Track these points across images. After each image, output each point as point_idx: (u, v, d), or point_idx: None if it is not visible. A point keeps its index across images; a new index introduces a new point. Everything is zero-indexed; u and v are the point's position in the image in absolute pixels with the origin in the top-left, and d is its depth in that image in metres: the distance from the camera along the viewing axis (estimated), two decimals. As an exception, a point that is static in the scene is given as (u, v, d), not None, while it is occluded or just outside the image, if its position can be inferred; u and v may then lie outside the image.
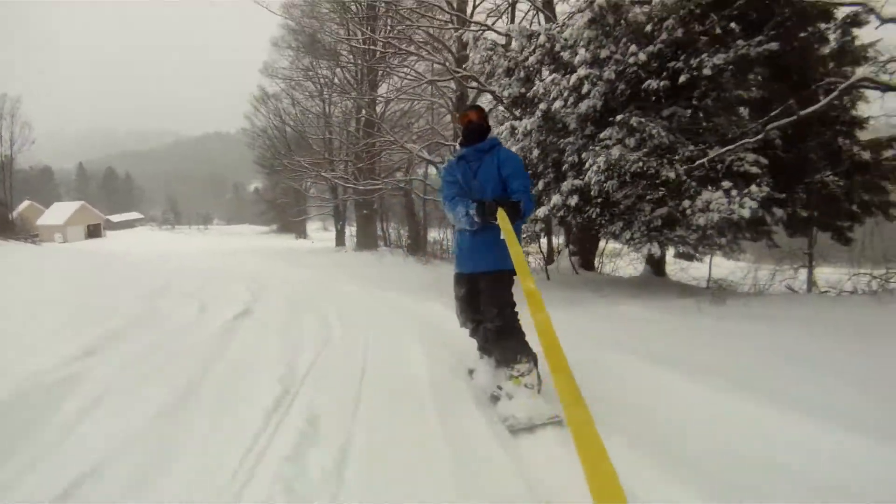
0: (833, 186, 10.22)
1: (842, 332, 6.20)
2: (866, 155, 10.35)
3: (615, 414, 3.92)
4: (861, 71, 8.25)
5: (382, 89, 30.64)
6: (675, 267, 14.08)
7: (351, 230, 42.94)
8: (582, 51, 9.00)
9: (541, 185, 10.06)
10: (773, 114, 8.57)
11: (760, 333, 6.46)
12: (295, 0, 35.01)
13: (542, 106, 9.40)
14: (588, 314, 8.59)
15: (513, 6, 19.85)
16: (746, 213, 7.96)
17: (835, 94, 8.14)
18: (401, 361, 5.90)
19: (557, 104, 9.15)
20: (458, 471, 3.29)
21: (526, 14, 19.40)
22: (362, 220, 37.94)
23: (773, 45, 8.56)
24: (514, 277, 4.59)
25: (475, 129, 4.90)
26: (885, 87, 8.90)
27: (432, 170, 26.58)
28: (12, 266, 11.36)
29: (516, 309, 4.72)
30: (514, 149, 10.04)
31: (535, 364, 4.46)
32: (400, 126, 30.14)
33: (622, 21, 8.83)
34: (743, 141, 8.49)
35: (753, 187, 8.15)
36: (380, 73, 29.40)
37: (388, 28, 27.07)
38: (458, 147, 5.14)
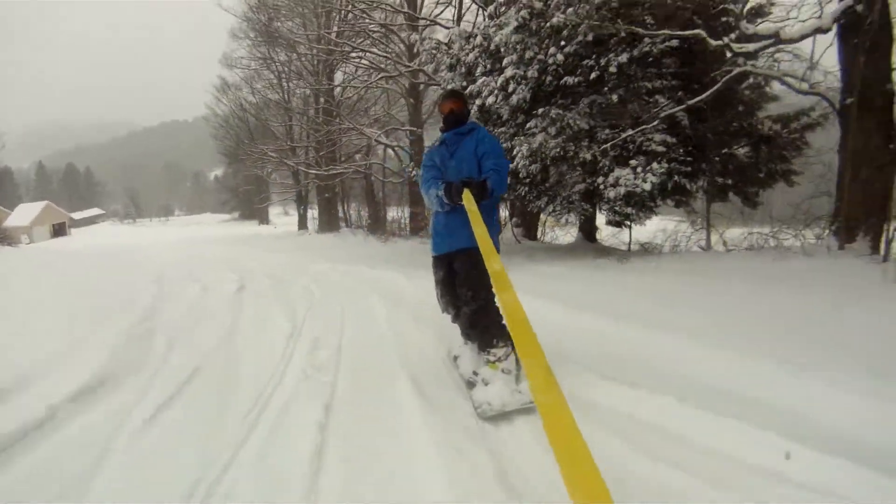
0: (743, 158, 11.98)
1: (707, 277, 7.95)
2: (772, 128, 12.09)
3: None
4: (762, 64, 9.87)
5: (338, 76, 31.75)
6: (608, 233, 15.70)
7: (313, 213, 43.92)
8: (511, 56, 10.53)
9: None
10: (665, 103, 10.24)
11: (643, 281, 8.23)
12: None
13: (478, 101, 10.94)
14: (513, 272, 10.18)
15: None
16: (648, 186, 9.60)
17: (718, 85, 9.76)
18: (368, 310, 7.79)
19: (490, 99, 10.68)
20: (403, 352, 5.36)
21: (469, 7, 20.79)
22: (324, 203, 38.95)
23: (674, 42, 10.17)
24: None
25: (457, 117, 5.03)
26: (766, 76, 10.55)
27: (391, 152, 27.99)
28: (22, 269, 12.45)
29: (492, 291, 4.67)
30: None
31: (513, 348, 4.44)
32: (357, 111, 31.10)
33: (544, 26, 10.35)
34: (642, 127, 10.14)
35: (655, 164, 9.78)
36: (335, 61, 30.24)
37: (342, 18, 28.38)
38: (440, 132, 5.21)
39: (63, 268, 12.59)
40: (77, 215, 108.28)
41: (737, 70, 9.66)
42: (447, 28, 18.30)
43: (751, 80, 11.82)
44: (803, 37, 9.36)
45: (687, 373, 4.42)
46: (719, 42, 9.56)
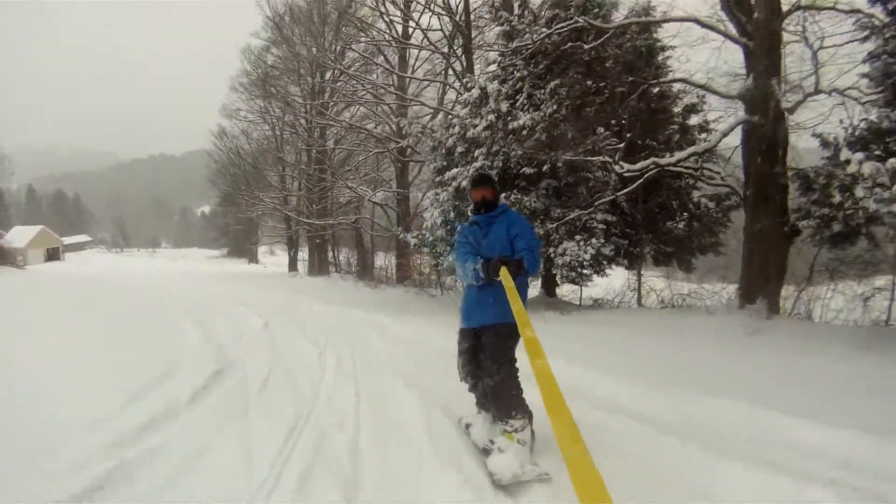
0: (681, 231, 14.66)
1: (628, 328, 10.63)
2: (707, 205, 14.77)
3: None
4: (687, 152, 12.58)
5: (330, 135, 34.30)
6: (568, 289, 18.16)
7: (302, 255, 46.43)
8: (482, 148, 13.18)
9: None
10: (597, 195, 12.96)
11: (574, 329, 10.86)
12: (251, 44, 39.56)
13: (454, 184, 13.50)
14: (452, 323, 12.88)
15: (446, 70, 24.14)
16: (587, 256, 12.21)
17: (638, 181, 12.41)
18: (369, 342, 10.46)
19: (465, 183, 13.22)
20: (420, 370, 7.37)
21: (452, 84, 23.50)
22: (314, 247, 41.37)
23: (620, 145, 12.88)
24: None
25: (488, 205, 5.24)
26: (687, 173, 13.19)
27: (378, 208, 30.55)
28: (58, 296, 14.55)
29: (517, 365, 4.88)
30: (436, 211, 14.03)
31: (530, 421, 4.65)
32: (347, 166, 33.57)
33: (508, 126, 12.98)
34: (582, 211, 12.78)
35: (593, 240, 12.42)
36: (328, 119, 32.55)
37: (334, 78, 31.31)
38: (470, 215, 5.45)
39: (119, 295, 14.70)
40: (66, 240, 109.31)
41: (653, 170, 12.32)
42: (430, 108, 21.15)
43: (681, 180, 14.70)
44: (713, 146, 12.16)
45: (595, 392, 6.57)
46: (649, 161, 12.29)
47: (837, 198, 8.28)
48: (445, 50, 22.36)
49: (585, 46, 12.03)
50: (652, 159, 12.12)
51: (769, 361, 7.49)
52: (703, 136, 14.50)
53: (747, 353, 8.07)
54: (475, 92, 13.71)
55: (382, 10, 24.93)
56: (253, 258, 77.05)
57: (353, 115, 31.26)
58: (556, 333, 10.43)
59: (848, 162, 7.96)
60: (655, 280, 16.05)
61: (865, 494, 3.79)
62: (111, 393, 5.80)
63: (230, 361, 8.03)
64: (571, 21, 11.98)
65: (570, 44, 12.32)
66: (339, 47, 32.35)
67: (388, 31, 25.86)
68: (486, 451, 4.63)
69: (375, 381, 7.27)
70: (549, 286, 16.70)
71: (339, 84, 32.07)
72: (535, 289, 20.01)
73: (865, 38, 9.34)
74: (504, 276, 4.46)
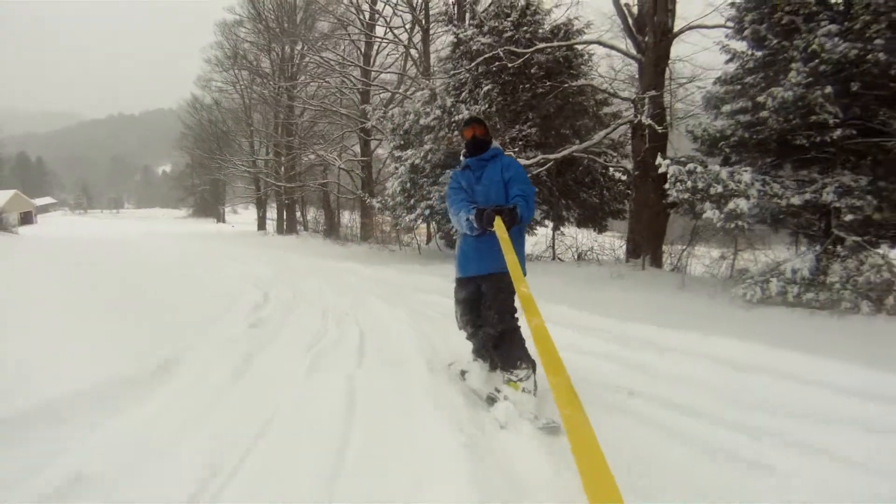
0: (592, 200, 18.22)
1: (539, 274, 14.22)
2: (621, 179, 18.31)
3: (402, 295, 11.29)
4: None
5: (299, 102, 36.74)
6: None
7: (269, 215, 49.62)
8: (430, 135, 16.52)
9: (412, 200, 17.55)
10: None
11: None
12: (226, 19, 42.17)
13: (409, 162, 16.84)
14: (432, 268, 16.09)
15: (405, 58, 27.49)
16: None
17: (557, 156, 15.88)
18: (348, 281, 13.70)
19: (417, 160, 16.56)
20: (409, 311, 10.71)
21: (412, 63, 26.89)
22: (283, 207, 44.23)
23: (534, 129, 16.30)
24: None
25: (479, 143, 5.07)
26: (594, 157, 16.65)
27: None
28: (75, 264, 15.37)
29: (517, 315, 4.82)
30: (396, 182, 17.43)
31: (534, 370, 4.58)
32: (314, 133, 36.64)
33: (452, 119, 16.30)
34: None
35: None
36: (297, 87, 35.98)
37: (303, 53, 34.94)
38: (462, 158, 5.28)
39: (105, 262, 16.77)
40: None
41: (570, 149, 15.71)
42: (391, 92, 24.66)
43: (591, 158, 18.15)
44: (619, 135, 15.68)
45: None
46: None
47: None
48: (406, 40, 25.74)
49: (510, 65, 15.35)
50: (541, 156, 15.45)
51: (618, 294, 10.82)
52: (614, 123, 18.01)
53: (608, 289, 11.45)
54: (426, 92, 17.14)
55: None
56: (220, 218, 79.29)
57: (318, 87, 34.15)
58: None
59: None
60: (572, 238, 19.50)
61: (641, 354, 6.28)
62: (220, 300, 9.51)
63: (265, 291, 10.96)
64: (493, 52, 15.47)
65: (496, 63, 15.66)
66: (307, 21, 35.72)
67: (354, 12, 29.13)
68: (491, 399, 4.62)
69: (359, 298, 10.72)
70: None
71: (306, 60, 35.48)
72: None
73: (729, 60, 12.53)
74: (498, 226, 4.42)
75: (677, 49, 15.12)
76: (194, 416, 4.17)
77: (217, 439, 3.74)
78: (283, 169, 40.16)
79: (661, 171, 10.37)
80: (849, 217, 8.56)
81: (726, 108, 10.19)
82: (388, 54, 30.42)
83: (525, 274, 4.36)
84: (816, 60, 8.80)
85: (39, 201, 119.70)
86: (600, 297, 10.53)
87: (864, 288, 8.14)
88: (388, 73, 29.25)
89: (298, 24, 36.62)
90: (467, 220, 4.71)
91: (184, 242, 31.50)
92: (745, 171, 9.37)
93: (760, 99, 9.28)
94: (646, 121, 13.79)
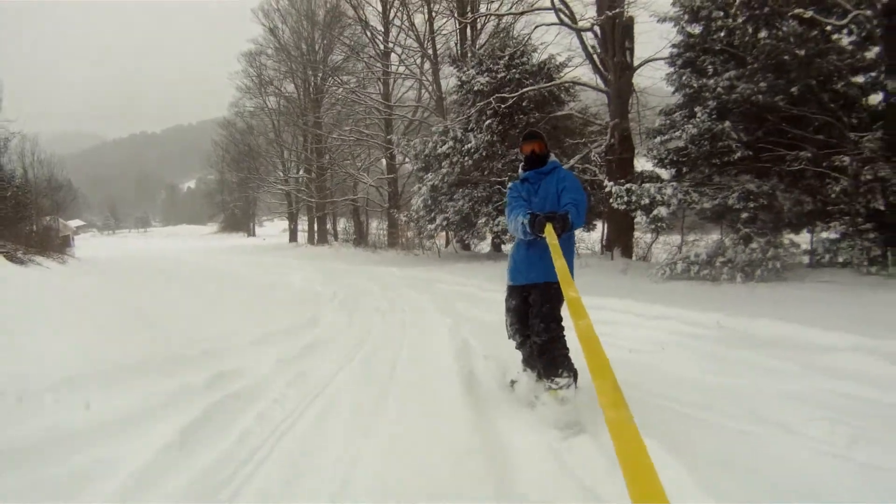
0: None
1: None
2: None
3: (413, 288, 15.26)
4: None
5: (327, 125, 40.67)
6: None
7: (301, 226, 53.26)
8: (445, 161, 20.51)
9: (432, 213, 21.59)
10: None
11: (488, 268, 18.15)
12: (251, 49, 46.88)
13: (429, 183, 20.97)
14: (447, 266, 20.04)
15: (419, 90, 31.64)
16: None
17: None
18: (386, 279, 17.49)
19: (436, 181, 20.64)
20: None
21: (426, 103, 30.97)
22: (313, 219, 48.17)
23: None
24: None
25: (538, 158, 5.18)
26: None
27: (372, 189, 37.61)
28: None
29: (562, 324, 4.86)
30: (419, 199, 21.61)
31: (575, 380, 4.68)
32: (345, 153, 40.21)
33: (463, 147, 20.24)
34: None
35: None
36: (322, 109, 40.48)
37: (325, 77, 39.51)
38: (521, 171, 5.37)
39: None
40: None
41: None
42: (410, 119, 28.92)
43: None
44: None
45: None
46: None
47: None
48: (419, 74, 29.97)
49: (500, 108, 19.29)
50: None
51: (586, 278, 14.42)
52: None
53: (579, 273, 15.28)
54: (440, 126, 21.34)
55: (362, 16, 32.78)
56: (250, 231, 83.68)
57: (343, 108, 38.43)
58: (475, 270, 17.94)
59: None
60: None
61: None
62: (308, 293, 13.28)
63: (333, 289, 14.47)
64: (486, 101, 19.51)
65: (495, 96, 19.51)
66: (324, 46, 40.70)
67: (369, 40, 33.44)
68: (530, 405, 4.81)
69: (397, 289, 14.59)
70: (497, 243, 24.20)
71: (328, 83, 40.12)
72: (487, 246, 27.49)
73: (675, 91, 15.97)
74: (548, 232, 4.42)
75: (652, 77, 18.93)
76: (334, 338, 8.27)
77: (345, 347, 7.66)
78: (312, 185, 44.33)
79: (605, 190, 14.28)
80: (744, 215, 12.53)
81: (660, 138, 14.09)
82: (404, 84, 34.41)
83: (574, 276, 4.11)
84: (721, 100, 12.82)
85: (72, 223, 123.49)
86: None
87: (741, 264, 12.05)
88: (406, 106, 33.47)
89: (318, 51, 41.25)
90: (522, 224, 4.77)
91: (233, 256, 35.09)
92: (671, 185, 13.39)
93: (677, 134, 13.26)
94: (604, 148, 17.70)
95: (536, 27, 20.16)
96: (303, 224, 53.71)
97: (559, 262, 3.81)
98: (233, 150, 58.86)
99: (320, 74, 41.49)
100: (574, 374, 4.68)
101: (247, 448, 3.96)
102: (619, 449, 1.80)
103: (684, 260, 13.09)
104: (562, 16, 18.26)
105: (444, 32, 28.34)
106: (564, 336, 4.83)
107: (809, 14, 11.56)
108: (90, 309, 8.71)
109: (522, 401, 4.99)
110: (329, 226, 47.68)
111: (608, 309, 9.25)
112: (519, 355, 5.50)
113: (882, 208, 11.53)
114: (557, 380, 4.59)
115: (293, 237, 54.60)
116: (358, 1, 32.89)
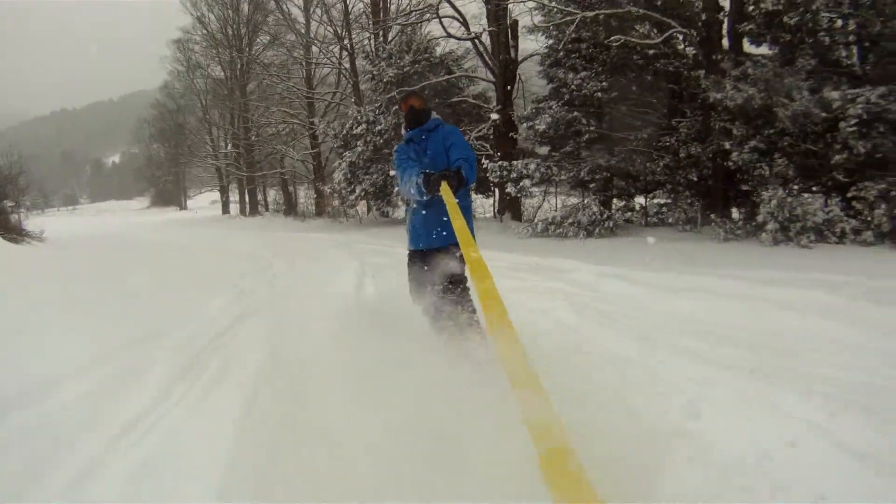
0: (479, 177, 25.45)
1: None
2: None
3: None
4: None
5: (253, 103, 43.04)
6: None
7: (232, 198, 56.01)
8: (360, 140, 23.57)
9: (352, 185, 24.75)
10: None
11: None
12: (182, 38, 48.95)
13: (348, 159, 23.97)
14: (352, 233, 23.11)
15: (338, 75, 34.49)
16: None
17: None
18: (316, 243, 20.03)
19: (353, 158, 23.59)
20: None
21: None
22: (244, 191, 50.40)
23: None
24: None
25: (418, 113, 5.05)
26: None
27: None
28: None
29: (467, 285, 4.84)
30: (340, 174, 24.60)
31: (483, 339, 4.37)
32: (271, 130, 42.28)
33: (375, 128, 23.37)
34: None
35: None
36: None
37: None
38: (403, 132, 5.26)
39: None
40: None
41: None
42: (329, 101, 32.05)
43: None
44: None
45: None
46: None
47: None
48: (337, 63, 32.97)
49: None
50: None
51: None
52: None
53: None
54: (355, 112, 24.48)
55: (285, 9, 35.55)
56: (182, 205, 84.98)
57: (265, 92, 41.22)
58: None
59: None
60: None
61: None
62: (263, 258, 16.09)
63: (275, 253, 16.83)
64: (390, 92, 22.73)
65: (398, 90, 22.39)
66: (248, 33, 43.50)
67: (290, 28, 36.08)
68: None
69: (324, 249, 16.87)
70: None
71: (253, 68, 42.78)
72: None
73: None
74: (444, 191, 4.28)
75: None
76: (281, 273, 10.80)
77: (287, 276, 10.37)
78: (241, 160, 46.42)
79: (485, 169, 17.65)
80: (592, 185, 16.08)
81: (527, 123, 17.49)
82: (323, 71, 37.28)
83: (474, 237, 3.95)
84: (573, 94, 16.25)
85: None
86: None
87: (584, 224, 15.57)
88: (325, 93, 36.26)
89: (243, 36, 43.68)
90: (416, 184, 4.55)
91: (177, 230, 36.32)
92: (534, 161, 16.81)
93: (538, 120, 16.67)
94: (488, 129, 21.16)
95: (436, 38, 23.96)
96: (233, 196, 55.99)
97: (458, 222, 3.70)
98: (161, 127, 61.64)
99: (245, 58, 43.57)
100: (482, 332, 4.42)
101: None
102: (522, 404, 1.82)
103: (542, 221, 16.56)
104: (456, 26, 22.37)
105: (359, 23, 31.08)
106: (471, 297, 4.79)
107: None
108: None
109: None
110: (260, 197, 49.77)
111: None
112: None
113: (696, 179, 15.24)
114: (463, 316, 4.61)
115: (226, 209, 56.74)
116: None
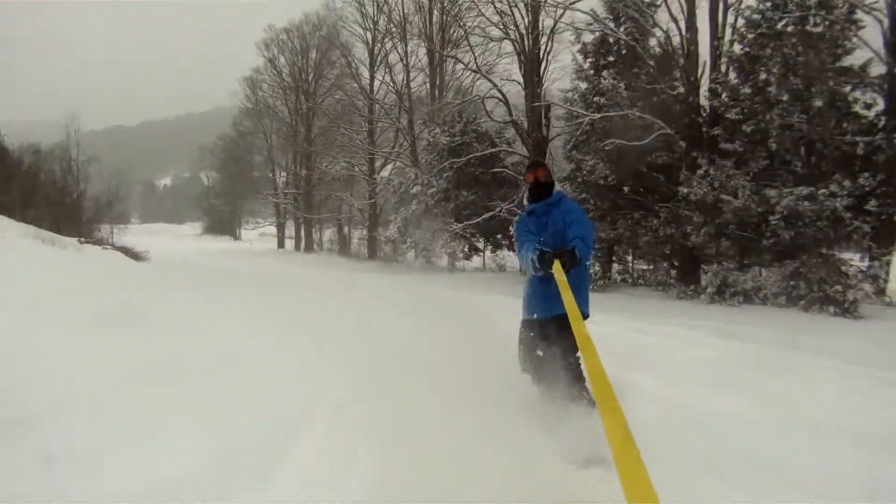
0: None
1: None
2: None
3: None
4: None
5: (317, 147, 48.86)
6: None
7: (286, 234, 61.50)
8: (416, 199, 29.19)
9: (405, 237, 30.40)
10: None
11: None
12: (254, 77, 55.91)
13: (403, 215, 29.62)
14: (404, 276, 28.43)
15: (396, 135, 40.35)
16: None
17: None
18: (371, 283, 24.65)
19: (407, 215, 29.27)
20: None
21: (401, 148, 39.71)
22: (300, 229, 56.01)
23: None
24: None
25: (542, 186, 5.35)
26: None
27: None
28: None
29: (579, 354, 4.79)
30: (395, 226, 30.54)
31: (594, 408, 4.44)
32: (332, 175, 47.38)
33: (429, 191, 28.93)
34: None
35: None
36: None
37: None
38: (525, 203, 5.56)
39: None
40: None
41: (490, 213, 28.42)
42: (386, 156, 38.31)
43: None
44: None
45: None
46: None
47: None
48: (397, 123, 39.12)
49: (452, 167, 28.13)
50: (476, 219, 28.13)
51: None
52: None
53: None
54: (412, 172, 30.20)
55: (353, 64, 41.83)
56: (236, 236, 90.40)
57: (323, 132, 47.51)
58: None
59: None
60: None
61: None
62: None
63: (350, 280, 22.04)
64: (442, 166, 28.24)
65: (450, 160, 28.00)
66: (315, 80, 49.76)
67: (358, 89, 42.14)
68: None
69: (384, 293, 20.53)
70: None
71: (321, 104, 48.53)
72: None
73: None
74: (556, 270, 4.55)
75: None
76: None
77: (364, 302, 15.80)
78: (299, 200, 52.77)
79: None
80: (596, 250, 21.43)
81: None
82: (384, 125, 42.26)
83: (587, 316, 4.69)
84: (585, 177, 21.62)
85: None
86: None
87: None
88: (385, 149, 41.57)
89: (310, 82, 50.26)
90: (531, 260, 4.89)
91: (246, 261, 40.93)
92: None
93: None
94: (520, 198, 25.95)
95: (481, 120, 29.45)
96: (288, 230, 61.93)
97: (567, 297, 4.01)
98: (224, 158, 69.82)
99: (311, 105, 50.07)
100: (593, 403, 4.50)
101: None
102: (627, 488, 1.96)
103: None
104: (500, 108, 28.01)
105: (417, 82, 37.35)
106: (582, 369, 4.87)
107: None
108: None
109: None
110: (317, 236, 54.83)
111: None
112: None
113: (668, 252, 20.44)
114: (574, 407, 4.69)
115: (280, 244, 62.33)
116: (348, 52, 42.08)
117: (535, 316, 5.30)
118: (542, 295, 5.18)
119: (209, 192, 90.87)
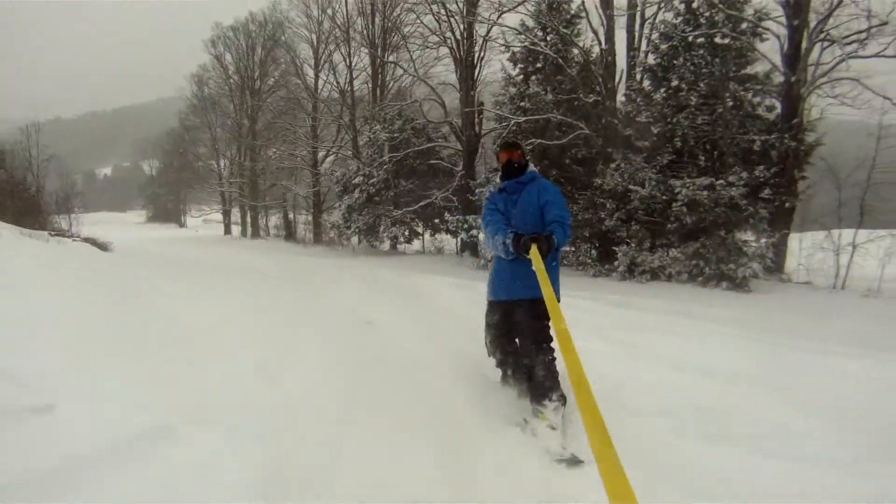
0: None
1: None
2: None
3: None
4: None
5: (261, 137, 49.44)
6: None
7: (232, 220, 61.47)
8: (360, 187, 30.54)
9: (348, 223, 31.68)
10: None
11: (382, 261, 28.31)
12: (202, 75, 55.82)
13: (346, 203, 30.80)
14: (348, 260, 29.62)
15: (337, 130, 41.51)
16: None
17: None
18: (321, 264, 25.77)
19: (350, 202, 30.36)
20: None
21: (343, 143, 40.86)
22: (245, 215, 56.69)
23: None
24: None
25: (515, 167, 5.12)
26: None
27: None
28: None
29: (553, 344, 4.69)
30: (339, 213, 31.53)
31: (563, 405, 4.54)
32: (276, 164, 48.33)
33: (370, 179, 30.33)
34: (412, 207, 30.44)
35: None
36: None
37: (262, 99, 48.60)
38: (498, 181, 5.28)
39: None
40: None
41: (427, 200, 29.93)
42: (328, 148, 39.36)
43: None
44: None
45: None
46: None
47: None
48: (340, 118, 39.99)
49: (391, 160, 29.51)
50: (416, 206, 29.63)
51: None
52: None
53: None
54: (354, 164, 31.47)
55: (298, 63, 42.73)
56: (182, 223, 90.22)
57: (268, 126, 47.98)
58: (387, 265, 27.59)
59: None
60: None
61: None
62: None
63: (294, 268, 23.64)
64: (382, 159, 29.50)
65: (389, 155, 29.48)
66: (260, 76, 50.09)
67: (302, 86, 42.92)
68: (519, 426, 4.68)
69: (332, 274, 22.18)
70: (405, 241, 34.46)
71: (262, 107, 49.27)
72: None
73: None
74: (534, 256, 4.32)
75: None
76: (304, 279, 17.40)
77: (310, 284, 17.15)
78: (247, 189, 52.84)
79: (447, 221, 24.49)
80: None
81: (479, 190, 24.43)
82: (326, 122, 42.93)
83: (559, 299, 4.39)
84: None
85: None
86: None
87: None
88: (328, 142, 42.48)
89: (255, 79, 50.66)
90: (504, 243, 4.69)
91: (196, 248, 38.50)
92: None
93: (490, 185, 23.64)
94: (452, 189, 27.91)
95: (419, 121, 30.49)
96: (233, 217, 61.97)
97: (546, 289, 3.77)
98: (168, 149, 69.60)
99: (256, 101, 50.39)
100: (563, 399, 4.57)
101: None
102: (607, 483, 1.94)
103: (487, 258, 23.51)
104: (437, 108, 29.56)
105: (360, 81, 38.51)
106: (555, 359, 4.70)
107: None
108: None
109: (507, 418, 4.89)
110: (263, 222, 55.35)
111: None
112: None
113: (587, 235, 22.17)
114: (547, 403, 4.53)
115: (227, 230, 62.34)
116: (293, 51, 43.01)
117: (502, 297, 5.16)
118: (509, 275, 5.01)
119: (152, 182, 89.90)
